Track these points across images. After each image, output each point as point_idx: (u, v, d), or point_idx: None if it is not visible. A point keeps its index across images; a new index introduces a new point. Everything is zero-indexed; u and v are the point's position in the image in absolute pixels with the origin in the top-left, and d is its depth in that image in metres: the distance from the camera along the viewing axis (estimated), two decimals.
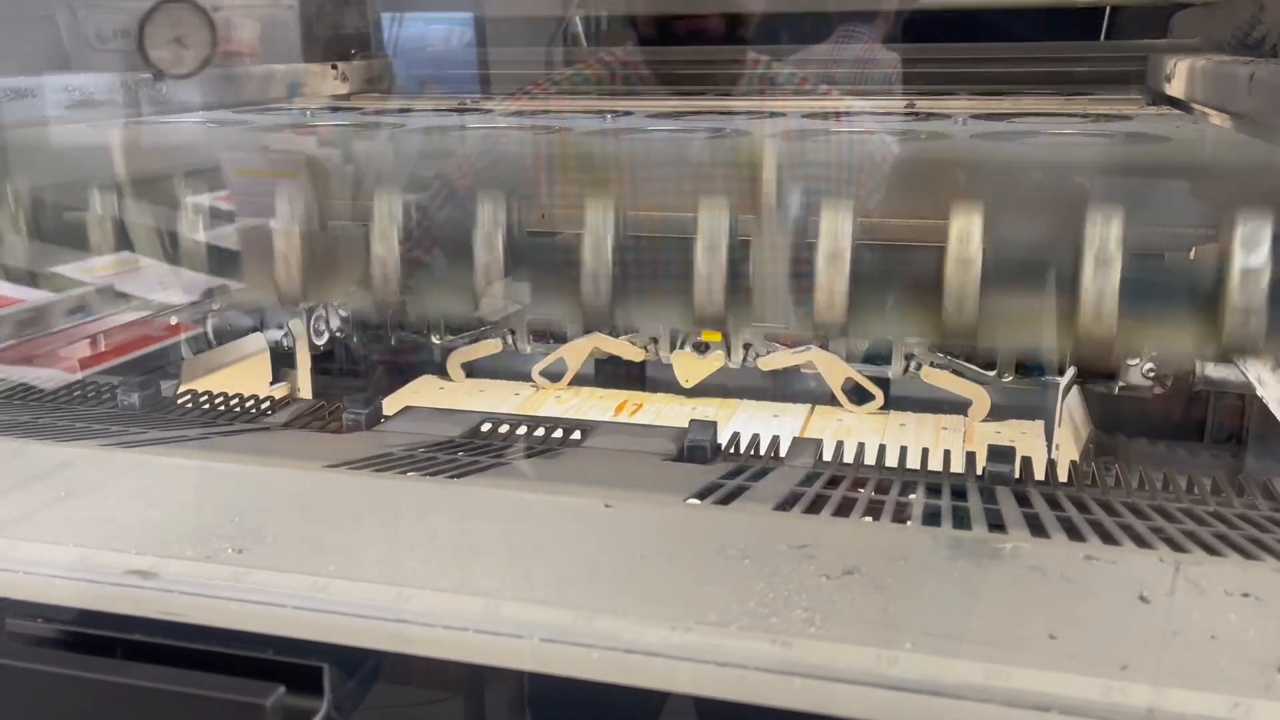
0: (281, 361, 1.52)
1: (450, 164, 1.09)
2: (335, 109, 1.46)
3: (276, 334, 1.51)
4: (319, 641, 0.52)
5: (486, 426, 0.91)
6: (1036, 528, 0.64)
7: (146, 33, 1.35)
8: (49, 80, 1.21)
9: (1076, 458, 1.16)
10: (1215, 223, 0.79)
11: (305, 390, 1.54)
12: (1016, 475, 0.77)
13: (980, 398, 1.37)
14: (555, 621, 0.51)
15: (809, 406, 1.47)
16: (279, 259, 0.93)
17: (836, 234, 0.82)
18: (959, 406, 1.40)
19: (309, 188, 0.95)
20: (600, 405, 1.50)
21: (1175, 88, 1.32)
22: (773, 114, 1.21)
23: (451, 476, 0.73)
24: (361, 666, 0.53)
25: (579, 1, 1.78)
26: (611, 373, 1.57)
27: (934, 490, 0.74)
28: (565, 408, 1.51)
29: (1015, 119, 1.11)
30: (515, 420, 0.91)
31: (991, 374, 1.36)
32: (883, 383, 1.43)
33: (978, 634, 0.49)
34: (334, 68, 1.69)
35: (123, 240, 1.07)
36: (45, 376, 1.03)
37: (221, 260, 1.06)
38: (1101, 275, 0.76)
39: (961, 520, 0.67)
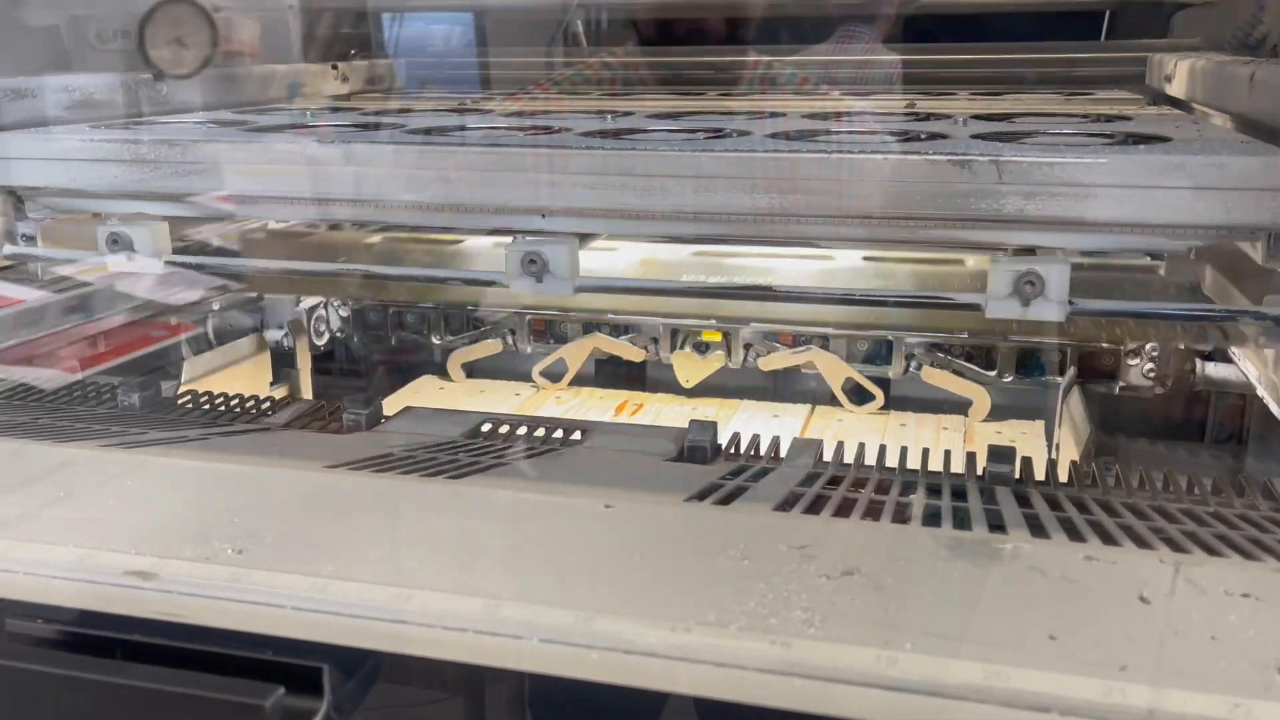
0: (282, 362, 1.52)
1: None
2: (335, 109, 1.46)
3: (277, 334, 1.51)
4: (318, 642, 0.52)
5: (487, 427, 0.91)
6: (1037, 528, 0.64)
7: (147, 33, 1.35)
8: (49, 81, 1.21)
9: (1077, 458, 1.16)
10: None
11: (306, 390, 1.54)
12: (1017, 476, 0.77)
13: (980, 398, 1.37)
14: (555, 622, 0.51)
15: (809, 406, 1.47)
16: None
17: None
18: (959, 406, 1.40)
19: None
20: (601, 405, 1.50)
21: (1175, 88, 1.32)
22: (773, 114, 1.21)
23: (452, 477, 0.73)
24: (361, 667, 0.53)
25: (579, 2, 1.78)
26: (612, 373, 1.57)
27: (934, 490, 0.74)
28: (565, 408, 1.51)
29: (1016, 119, 1.10)
30: (515, 421, 0.91)
31: (991, 374, 1.36)
32: (883, 383, 1.43)
33: (977, 634, 0.49)
34: (334, 68, 1.69)
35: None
36: (46, 377, 1.03)
37: None
38: None
39: (962, 521, 0.67)
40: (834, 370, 1.41)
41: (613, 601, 0.52)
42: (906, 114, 1.20)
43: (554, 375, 1.54)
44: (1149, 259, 1.27)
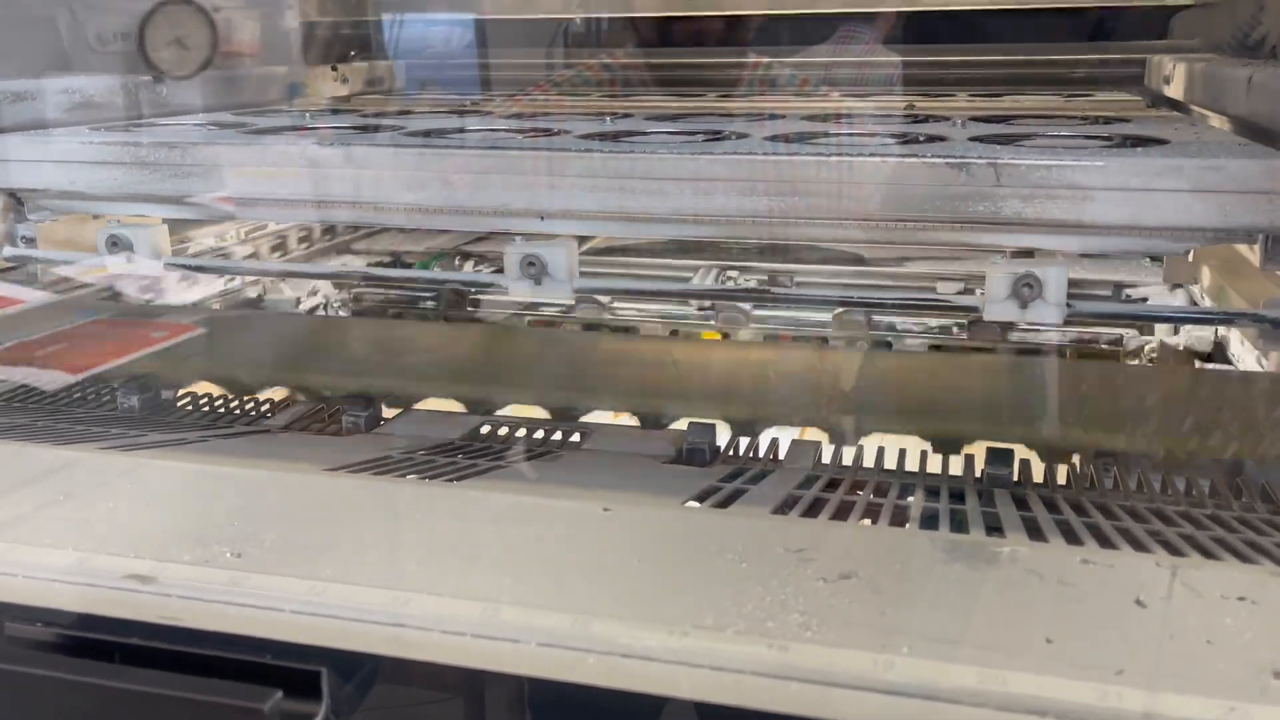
0: None
1: None
2: (335, 111, 1.46)
3: None
4: (317, 646, 0.52)
5: (486, 429, 0.91)
6: (1034, 531, 0.65)
7: (147, 34, 1.35)
8: (48, 83, 1.21)
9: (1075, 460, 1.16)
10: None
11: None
12: (1015, 478, 0.77)
13: None
14: (553, 626, 0.51)
15: None
16: None
17: None
18: None
19: None
20: None
21: (1174, 89, 1.32)
22: (772, 116, 1.21)
23: (450, 479, 0.73)
24: (359, 670, 0.53)
25: (580, 3, 1.78)
26: None
27: (932, 493, 0.74)
28: None
29: (1014, 121, 1.11)
30: (514, 423, 0.91)
31: None
32: None
33: (974, 638, 0.49)
34: (334, 69, 1.69)
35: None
36: (45, 378, 1.04)
37: None
38: None
39: (959, 523, 0.67)
40: None
41: (611, 605, 0.53)
42: (905, 116, 1.21)
43: None
44: (1148, 261, 1.27)
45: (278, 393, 1.09)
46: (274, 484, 0.68)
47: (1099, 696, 0.45)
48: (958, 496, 0.73)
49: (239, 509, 0.64)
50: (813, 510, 0.68)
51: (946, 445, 0.87)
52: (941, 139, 0.95)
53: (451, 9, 1.84)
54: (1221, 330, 1.17)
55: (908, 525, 0.67)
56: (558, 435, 0.89)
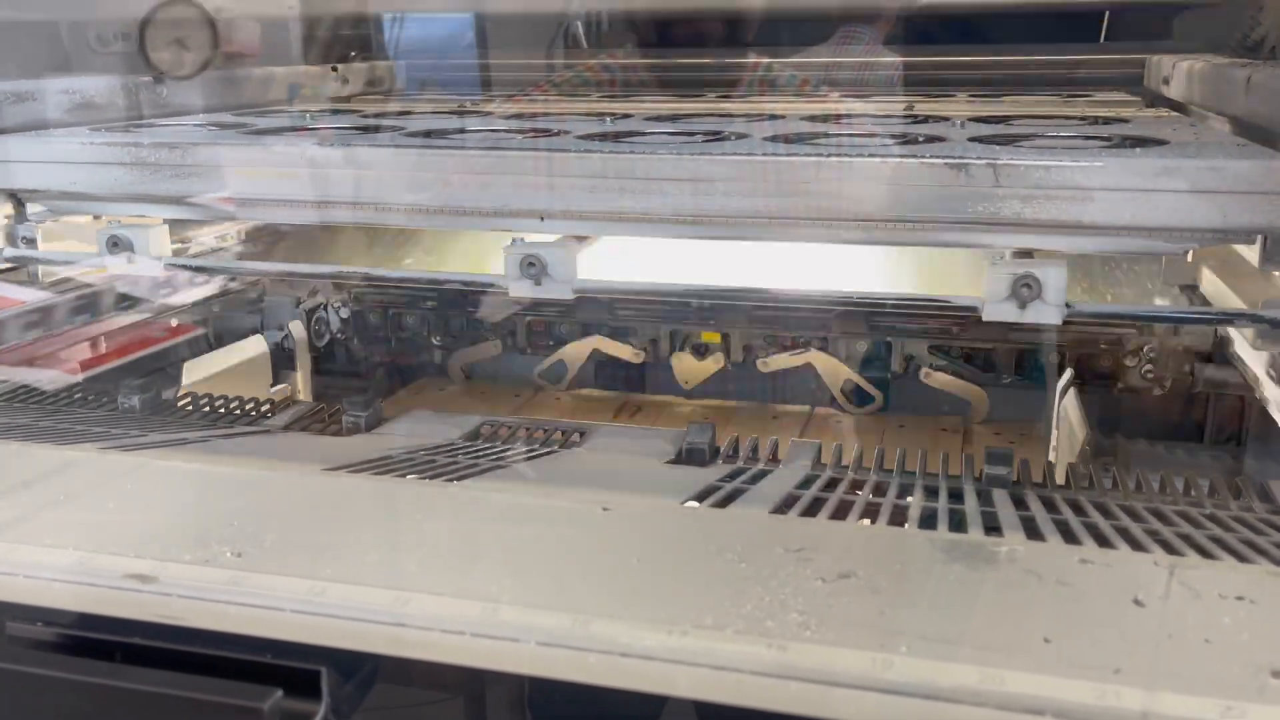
0: (282, 364, 1.52)
1: None
2: (335, 111, 1.46)
3: (277, 336, 1.51)
4: (317, 645, 0.52)
5: (486, 429, 0.91)
6: (1032, 531, 0.65)
7: (147, 34, 1.35)
8: (49, 83, 1.21)
9: (1074, 459, 1.16)
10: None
11: (305, 393, 1.54)
12: (1014, 478, 0.78)
13: (979, 399, 1.37)
14: (553, 625, 0.51)
15: (808, 409, 1.47)
16: None
17: None
18: (959, 407, 1.40)
19: None
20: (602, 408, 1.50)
21: (1174, 90, 1.32)
22: (772, 116, 1.21)
23: (450, 479, 0.73)
24: (359, 670, 0.53)
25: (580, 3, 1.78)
26: (611, 375, 1.57)
27: (931, 493, 0.74)
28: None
29: (1013, 121, 1.11)
30: (514, 423, 0.92)
31: (990, 375, 1.36)
32: (882, 384, 1.43)
33: (973, 637, 0.49)
34: (334, 70, 1.69)
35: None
36: (46, 378, 1.04)
37: None
38: None
39: (958, 523, 0.67)
40: (833, 372, 1.42)
41: (610, 604, 0.53)
42: (905, 116, 1.21)
43: (554, 377, 1.54)
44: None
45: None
46: (274, 484, 0.69)
47: (1097, 696, 0.45)
48: (956, 496, 0.73)
49: (239, 509, 0.64)
50: (812, 510, 0.68)
51: None
52: (941, 140, 0.95)
53: (451, 9, 1.84)
54: (1221, 330, 1.18)
55: (906, 525, 0.67)
56: (558, 435, 0.89)
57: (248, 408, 0.96)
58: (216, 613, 0.54)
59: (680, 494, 0.70)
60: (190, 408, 0.97)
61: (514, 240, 0.96)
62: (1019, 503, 0.72)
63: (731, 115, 1.27)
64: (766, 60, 1.64)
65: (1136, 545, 0.61)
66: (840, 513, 0.68)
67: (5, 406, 0.96)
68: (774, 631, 0.50)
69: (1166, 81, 1.36)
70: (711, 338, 1.46)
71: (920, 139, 0.96)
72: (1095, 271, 1.22)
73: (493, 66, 1.78)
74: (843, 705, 0.47)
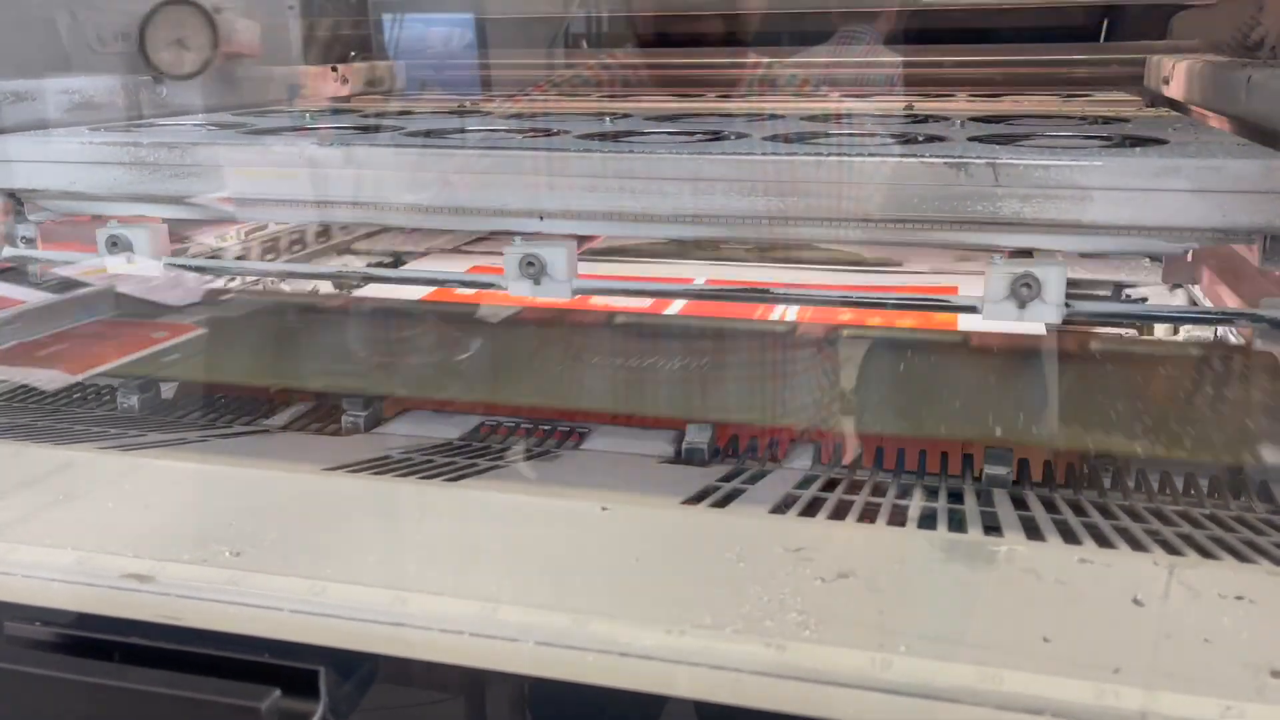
0: None
1: None
2: (335, 111, 1.46)
3: None
4: (315, 645, 0.52)
5: (485, 428, 0.91)
6: (1032, 531, 0.65)
7: (148, 34, 1.35)
8: (49, 83, 1.21)
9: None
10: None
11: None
12: (1013, 477, 0.77)
13: None
14: (551, 625, 0.51)
15: None
16: None
17: None
18: None
19: None
20: None
21: (1173, 89, 1.32)
22: (772, 116, 1.21)
23: (449, 479, 0.73)
24: (358, 669, 0.53)
25: (580, 3, 1.78)
26: None
27: (930, 492, 0.74)
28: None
29: (1013, 121, 1.11)
30: (513, 422, 0.92)
31: None
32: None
33: (972, 637, 0.49)
34: (334, 69, 1.69)
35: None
36: (45, 378, 1.04)
37: None
38: None
39: (957, 523, 0.67)
40: None
41: (609, 604, 0.53)
42: (905, 116, 1.21)
43: None
44: (1147, 261, 1.27)
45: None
46: (273, 484, 0.68)
47: (1096, 695, 0.45)
48: (956, 496, 0.73)
49: (238, 509, 0.64)
50: (811, 510, 0.68)
51: None
52: (941, 139, 0.95)
53: (451, 9, 1.84)
54: (1220, 330, 1.17)
55: (906, 525, 0.67)
56: (556, 435, 0.89)
57: (247, 407, 0.96)
58: (215, 612, 0.54)
59: (679, 494, 0.70)
60: (189, 407, 0.97)
61: (513, 240, 0.96)
62: (1018, 502, 0.72)
63: (731, 115, 1.27)
64: (767, 60, 1.64)
65: (1136, 545, 0.61)
66: (839, 512, 0.68)
67: (4, 406, 0.96)
68: (773, 631, 0.50)
69: (1166, 81, 1.36)
70: None
71: (920, 138, 0.96)
72: None
73: (493, 66, 1.78)
74: (842, 705, 0.47)
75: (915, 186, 0.84)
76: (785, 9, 1.71)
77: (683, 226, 0.92)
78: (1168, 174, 0.80)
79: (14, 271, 1.22)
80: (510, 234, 0.96)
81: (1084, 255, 1.21)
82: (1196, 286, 1.20)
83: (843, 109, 1.40)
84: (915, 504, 0.71)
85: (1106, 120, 1.09)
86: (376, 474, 0.73)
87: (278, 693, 0.52)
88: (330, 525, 0.62)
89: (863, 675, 0.47)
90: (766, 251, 1.46)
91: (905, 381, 0.96)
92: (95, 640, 0.55)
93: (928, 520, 0.67)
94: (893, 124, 1.12)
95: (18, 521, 0.62)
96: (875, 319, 1.14)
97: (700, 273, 1.39)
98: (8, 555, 0.58)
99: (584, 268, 0.96)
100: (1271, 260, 0.81)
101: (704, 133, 1.04)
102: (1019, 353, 0.99)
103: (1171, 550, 0.60)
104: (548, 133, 1.07)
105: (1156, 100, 1.39)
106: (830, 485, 0.75)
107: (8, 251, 1.13)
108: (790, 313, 1.19)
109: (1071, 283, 0.83)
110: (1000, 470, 0.77)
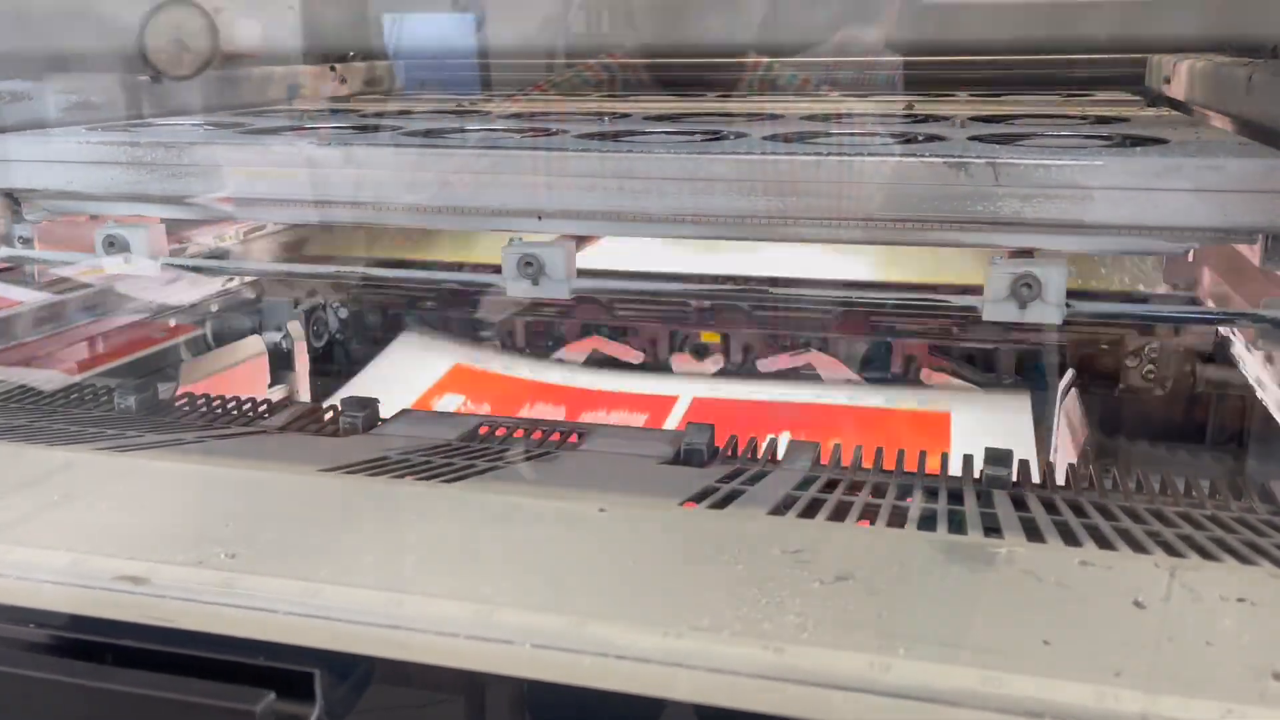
0: (280, 364, 1.52)
1: None
2: (334, 111, 1.46)
3: (275, 336, 1.51)
4: (311, 647, 0.52)
5: (484, 430, 0.91)
6: (1032, 532, 0.64)
7: (147, 34, 1.35)
8: (47, 83, 1.21)
9: (1075, 460, 1.16)
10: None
11: (304, 393, 1.54)
12: (1014, 479, 0.77)
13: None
14: (548, 627, 0.51)
15: None
16: None
17: None
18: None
19: None
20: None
21: (1174, 89, 1.32)
22: (771, 116, 1.21)
23: (447, 480, 0.73)
24: (354, 672, 0.53)
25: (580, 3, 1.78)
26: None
27: (930, 494, 0.74)
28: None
29: (1013, 121, 1.10)
30: (512, 423, 0.91)
31: (991, 376, 1.36)
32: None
33: (972, 640, 0.49)
34: (332, 69, 1.69)
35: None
36: (42, 379, 1.03)
37: None
38: None
39: (957, 524, 0.66)
40: (833, 373, 1.41)
41: (606, 606, 0.52)
42: (905, 116, 1.20)
43: None
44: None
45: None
46: (269, 484, 0.68)
47: (1097, 698, 0.45)
48: (956, 497, 0.73)
49: (234, 510, 0.63)
50: (810, 511, 0.68)
51: None
52: (941, 139, 0.95)
53: (451, 9, 1.84)
54: (1222, 330, 1.17)
55: (905, 526, 0.66)
56: (555, 436, 0.89)
57: (245, 408, 0.96)
58: (209, 614, 0.53)
59: (677, 495, 0.70)
60: (187, 408, 0.97)
61: (511, 240, 0.95)
62: (1019, 503, 0.71)
63: (731, 115, 1.26)
64: (767, 60, 1.64)
65: (1137, 547, 0.61)
66: (839, 514, 0.68)
67: (1, 407, 0.96)
68: (771, 633, 0.49)
69: (1167, 81, 1.35)
70: (711, 338, 1.46)
71: (920, 138, 0.96)
72: None
73: (492, 66, 1.78)
74: (840, 708, 0.47)
75: (915, 186, 0.84)
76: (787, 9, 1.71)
77: (682, 226, 0.92)
78: (1169, 174, 0.79)
79: (11, 272, 1.22)
80: (509, 233, 0.96)
81: (1084, 255, 1.21)
82: (1198, 286, 1.19)
83: (843, 109, 1.40)
84: (915, 505, 0.70)
85: (1107, 120, 1.09)
86: (373, 475, 0.73)
87: (272, 695, 0.51)
88: (326, 526, 0.62)
89: (862, 678, 0.47)
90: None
91: None
92: (88, 642, 0.55)
93: (927, 521, 0.67)
94: (893, 124, 1.12)
95: (13, 523, 0.62)
96: None
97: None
98: (2, 557, 0.58)
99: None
100: (1273, 260, 0.80)
101: (703, 133, 1.04)
102: None
103: (1173, 552, 0.60)
104: (547, 132, 1.07)
105: (1157, 100, 1.38)
106: (830, 486, 0.75)
107: (5, 252, 1.13)
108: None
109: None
110: (1000, 471, 0.77)
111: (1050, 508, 0.70)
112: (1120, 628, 0.50)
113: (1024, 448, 1.19)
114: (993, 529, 0.65)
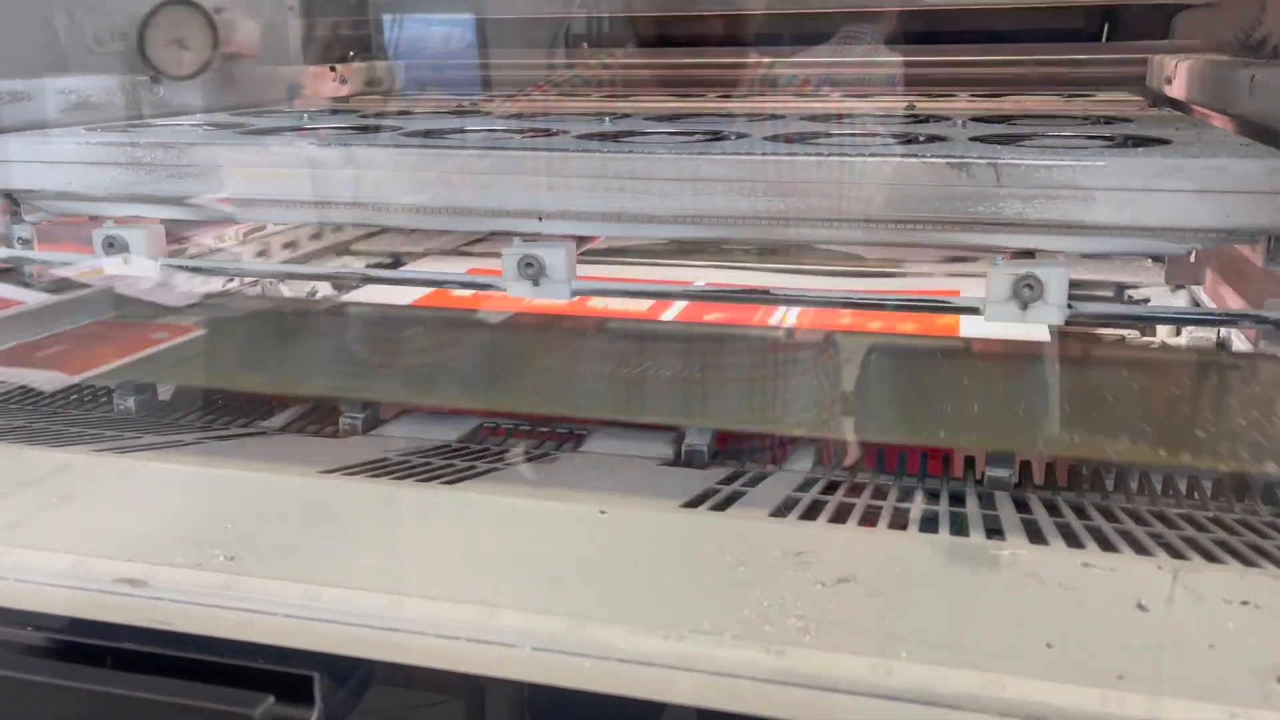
0: None
1: None
2: (334, 111, 1.45)
3: None
4: (310, 650, 0.52)
5: (484, 430, 0.90)
6: (1034, 534, 0.64)
7: (147, 34, 1.35)
8: (46, 83, 1.20)
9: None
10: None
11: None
12: (1015, 480, 0.77)
13: None
14: (548, 630, 0.51)
15: None
16: None
17: None
18: None
19: None
20: None
21: (1176, 89, 1.32)
22: (772, 116, 1.21)
23: (447, 482, 0.72)
24: (353, 675, 0.53)
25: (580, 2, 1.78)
26: None
27: (932, 495, 0.73)
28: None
29: (1015, 121, 1.10)
30: (512, 424, 0.91)
31: None
32: None
33: (974, 643, 0.49)
34: (332, 69, 1.69)
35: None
36: (41, 380, 1.03)
37: None
38: None
39: (959, 526, 0.66)
40: None
41: (607, 608, 0.52)
42: (906, 116, 1.20)
43: None
44: (1149, 261, 1.27)
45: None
46: (269, 486, 0.68)
47: (1100, 702, 0.45)
48: (958, 499, 0.72)
49: (233, 511, 0.63)
50: (811, 513, 0.67)
51: None
52: (942, 139, 0.95)
53: (452, 9, 1.83)
54: (1223, 331, 1.17)
55: (907, 528, 0.66)
56: (555, 437, 0.89)
57: (245, 409, 0.96)
58: (208, 617, 0.53)
59: (678, 497, 0.70)
60: (186, 409, 0.96)
61: (512, 241, 0.95)
62: (1021, 505, 0.71)
63: (732, 115, 1.26)
64: (768, 60, 1.64)
65: (1140, 549, 0.61)
66: (840, 516, 0.68)
67: (1, 408, 0.96)
68: (772, 636, 0.49)
69: (1169, 81, 1.35)
70: None
71: (921, 138, 0.95)
72: None
73: (492, 66, 1.78)
74: (842, 711, 0.46)
75: (917, 187, 0.83)
76: (787, 8, 1.70)
77: (682, 227, 0.91)
78: (1171, 174, 0.79)
79: (11, 272, 1.21)
80: (509, 234, 0.95)
81: (1085, 256, 1.21)
82: (1200, 287, 1.19)
83: (844, 109, 1.39)
84: (917, 507, 0.70)
85: (1109, 120, 1.09)
86: (374, 476, 0.73)
87: (271, 699, 0.51)
88: (326, 528, 0.62)
89: (863, 681, 0.47)
90: (767, 256, 1.46)
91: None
92: (87, 645, 0.55)
93: (929, 524, 0.67)
94: (894, 124, 1.11)
95: (12, 524, 0.62)
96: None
97: (700, 275, 1.39)
98: (0, 559, 0.58)
99: (583, 269, 0.95)
100: (1275, 261, 0.80)
101: (704, 133, 1.03)
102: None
103: (1175, 554, 0.60)
104: (547, 133, 1.06)
105: (1159, 100, 1.38)
106: (831, 488, 0.75)
107: (4, 253, 1.13)
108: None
109: (1074, 283, 0.83)
110: (1002, 473, 0.77)
111: (1052, 509, 0.70)
112: (1123, 630, 0.49)
113: None
114: (995, 531, 0.65)
